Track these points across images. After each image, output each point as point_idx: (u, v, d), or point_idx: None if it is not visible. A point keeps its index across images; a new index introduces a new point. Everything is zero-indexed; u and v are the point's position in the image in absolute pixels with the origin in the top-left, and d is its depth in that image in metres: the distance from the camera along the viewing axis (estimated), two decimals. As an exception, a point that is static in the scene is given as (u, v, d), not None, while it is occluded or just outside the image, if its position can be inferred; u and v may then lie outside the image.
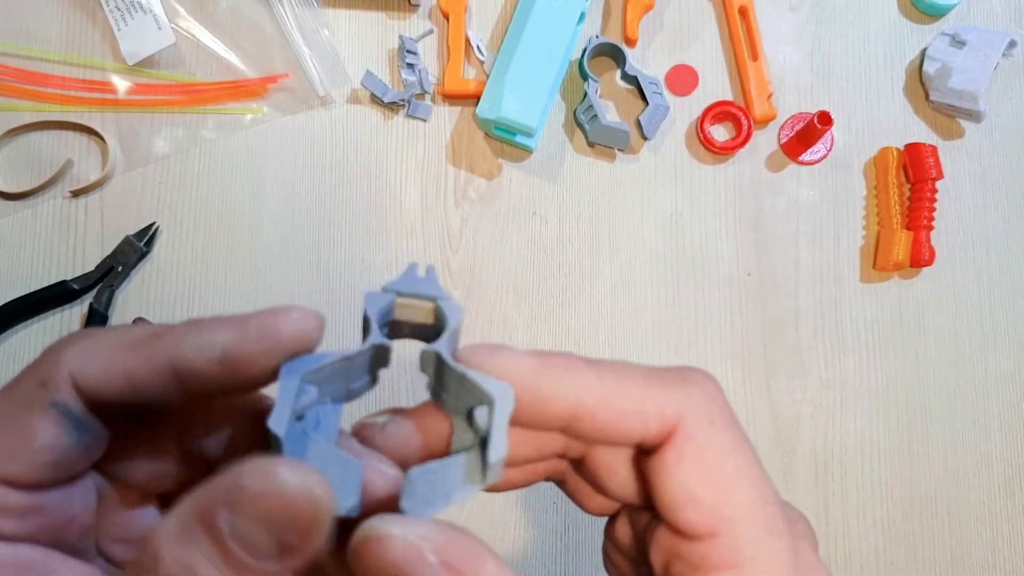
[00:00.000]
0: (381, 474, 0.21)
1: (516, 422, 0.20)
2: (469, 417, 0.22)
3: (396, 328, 0.24)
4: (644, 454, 0.21)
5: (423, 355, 0.23)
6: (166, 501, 0.24)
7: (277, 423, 0.20)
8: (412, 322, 0.23)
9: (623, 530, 0.24)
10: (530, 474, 0.24)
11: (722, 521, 0.19)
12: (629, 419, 0.20)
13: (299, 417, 0.22)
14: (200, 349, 0.20)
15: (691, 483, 0.19)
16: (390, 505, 0.20)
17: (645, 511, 0.22)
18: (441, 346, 0.22)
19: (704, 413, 0.20)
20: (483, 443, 0.21)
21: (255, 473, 0.16)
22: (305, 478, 0.17)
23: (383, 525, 0.17)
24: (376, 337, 0.22)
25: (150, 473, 0.22)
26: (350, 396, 0.24)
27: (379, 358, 0.23)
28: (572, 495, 0.25)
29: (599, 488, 0.23)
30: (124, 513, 0.23)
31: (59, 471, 0.20)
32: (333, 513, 0.18)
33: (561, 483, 0.25)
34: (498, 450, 0.20)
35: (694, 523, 0.19)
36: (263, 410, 0.23)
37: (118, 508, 0.23)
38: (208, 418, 0.22)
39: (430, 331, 0.23)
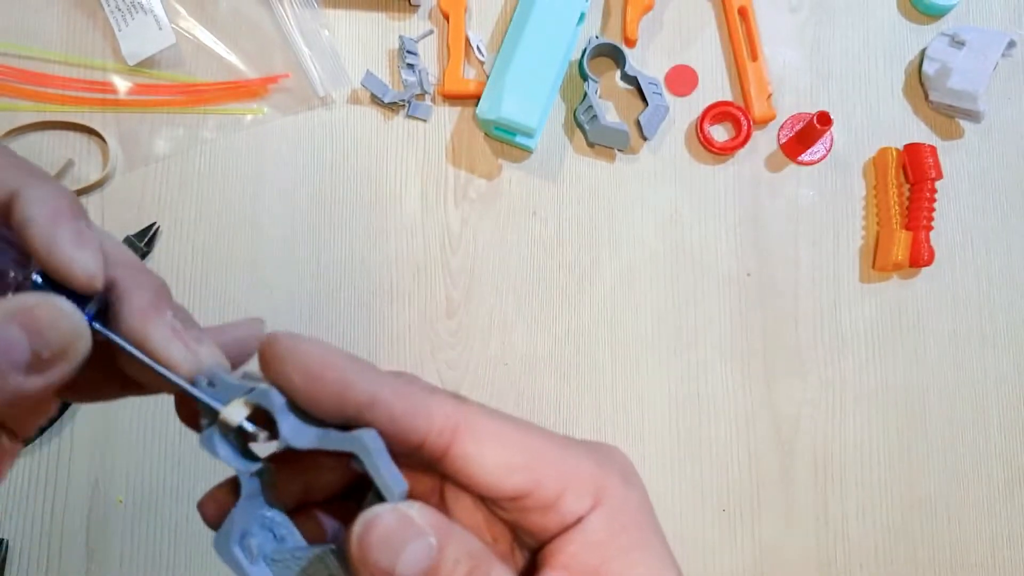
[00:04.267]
0: None
1: (312, 403, 0.22)
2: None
3: (250, 436, 0.23)
4: (435, 467, 0.23)
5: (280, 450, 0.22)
6: None
7: None
8: (247, 426, 0.22)
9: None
10: None
11: (537, 467, 0.22)
12: (418, 418, 0.22)
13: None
14: None
15: (499, 455, 0.22)
16: None
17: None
18: (284, 440, 0.22)
19: (473, 411, 0.23)
20: (369, 483, 0.22)
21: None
22: (53, 301, 0.21)
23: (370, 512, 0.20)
24: (248, 475, 0.23)
25: None
26: (280, 499, 0.24)
27: (268, 473, 0.23)
28: None
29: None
30: None
31: None
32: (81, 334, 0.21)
33: None
34: (395, 485, 0.21)
35: (519, 484, 0.22)
36: None
37: None
38: None
39: (267, 415, 0.22)
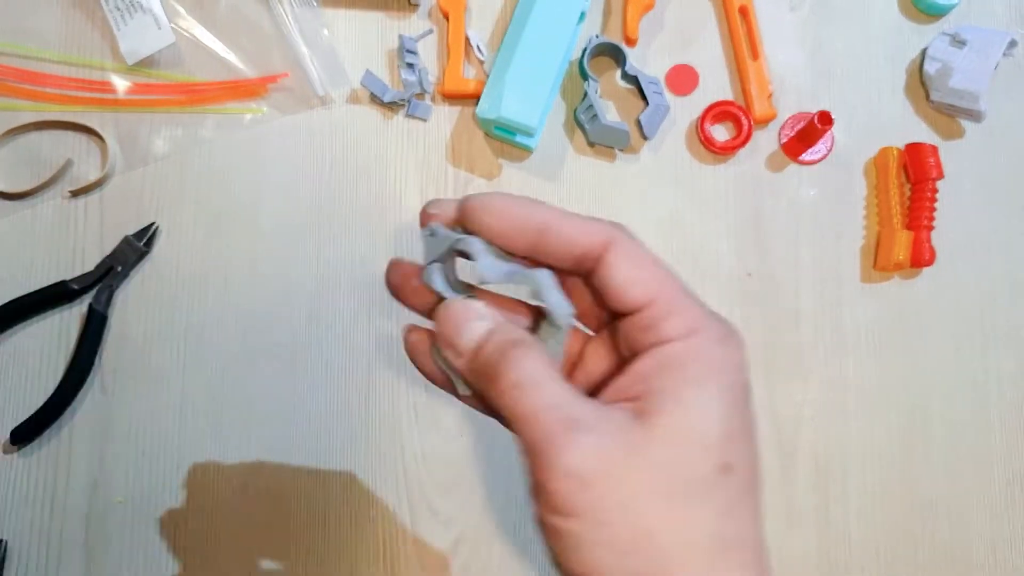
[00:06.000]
0: None
1: (504, 236, 0.28)
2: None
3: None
4: (588, 277, 0.29)
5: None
6: None
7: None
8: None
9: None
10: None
11: (656, 289, 0.27)
12: (580, 234, 0.28)
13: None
14: None
15: (631, 270, 0.28)
16: None
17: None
18: (480, 274, 0.29)
19: (629, 236, 0.29)
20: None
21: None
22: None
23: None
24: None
25: None
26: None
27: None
28: None
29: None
30: None
31: None
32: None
33: None
34: (559, 310, 0.27)
35: (638, 296, 0.27)
36: None
37: None
38: None
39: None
